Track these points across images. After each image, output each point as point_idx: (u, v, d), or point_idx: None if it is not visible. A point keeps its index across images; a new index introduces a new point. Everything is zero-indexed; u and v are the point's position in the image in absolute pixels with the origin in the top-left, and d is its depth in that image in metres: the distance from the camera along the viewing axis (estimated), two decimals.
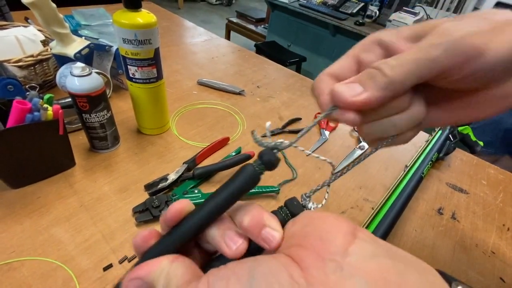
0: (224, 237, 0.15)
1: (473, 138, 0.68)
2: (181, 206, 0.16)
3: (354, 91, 0.15)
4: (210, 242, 0.16)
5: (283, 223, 0.16)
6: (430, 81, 0.15)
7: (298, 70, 2.12)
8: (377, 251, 0.12)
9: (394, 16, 1.77)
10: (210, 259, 0.18)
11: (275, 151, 0.16)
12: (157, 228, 0.18)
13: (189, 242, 0.16)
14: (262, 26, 2.75)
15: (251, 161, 0.18)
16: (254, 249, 0.16)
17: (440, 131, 0.63)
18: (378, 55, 0.17)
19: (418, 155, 0.56)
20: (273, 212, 0.17)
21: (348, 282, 0.11)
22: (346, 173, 0.19)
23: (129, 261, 0.35)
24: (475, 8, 1.71)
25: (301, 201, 0.17)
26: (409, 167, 0.52)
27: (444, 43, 0.14)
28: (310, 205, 0.17)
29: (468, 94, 0.16)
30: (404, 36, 0.16)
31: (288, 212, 0.16)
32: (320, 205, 0.18)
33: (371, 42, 0.17)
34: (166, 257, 0.15)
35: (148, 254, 0.16)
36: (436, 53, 0.14)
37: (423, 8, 1.88)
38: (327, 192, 0.19)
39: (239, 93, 0.73)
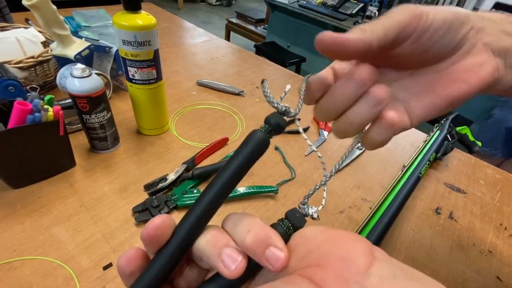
0: (221, 256, 0.14)
1: (471, 138, 0.68)
2: (161, 220, 0.15)
3: (342, 35, 0.17)
4: (204, 260, 0.15)
5: (285, 238, 0.15)
6: (393, 47, 0.18)
7: (297, 70, 2.12)
8: (396, 272, 0.13)
9: None
10: (203, 281, 0.16)
11: (283, 109, 0.16)
12: None
13: (179, 262, 0.15)
14: (262, 26, 2.76)
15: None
16: (253, 266, 0.14)
17: (438, 131, 0.63)
18: (348, 65, 0.20)
19: (416, 155, 0.56)
20: (273, 225, 0.16)
21: None
22: (338, 172, 0.19)
23: None
24: (475, 8, 1.72)
25: (300, 210, 0.17)
26: (407, 167, 0.53)
27: (398, 9, 0.17)
28: (310, 211, 0.17)
29: (437, 71, 0.19)
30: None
31: (290, 225, 0.16)
32: (320, 207, 0.17)
33: None
34: None
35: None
36: (394, 13, 0.17)
37: None
38: (324, 191, 0.18)
39: (238, 94, 0.73)
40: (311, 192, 0.18)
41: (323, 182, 0.18)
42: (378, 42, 0.17)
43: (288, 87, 0.17)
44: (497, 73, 0.18)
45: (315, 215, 0.17)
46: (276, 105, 0.16)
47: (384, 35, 0.17)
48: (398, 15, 0.17)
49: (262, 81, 0.17)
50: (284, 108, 0.16)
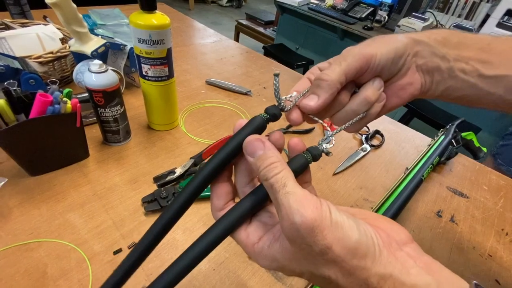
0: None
1: (477, 144, 0.68)
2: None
3: (313, 100, 0.21)
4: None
5: (306, 165, 0.19)
6: (355, 78, 0.22)
7: (305, 73, 2.13)
8: (424, 254, 0.17)
9: (403, 21, 1.77)
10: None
11: (281, 105, 0.21)
12: None
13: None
14: (271, 28, 2.77)
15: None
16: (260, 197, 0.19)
17: (443, 136, 0.64)
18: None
19: (420, 158, 0.57)
20: (298, 155, 0.19)
21: (408, 260, 0.16)
22: (339, 131, 0.23)
23: None
24: (487, 15, 1.70)
25: (319, 148, 0.20)
26: (409, 170, 0.53)
27: (355, 54, 0.22)
28: (325, 146, 0.20)
29: (387, 86, 0.24)
30: (331, 61, 0.24)
31: (311, 155, 0.19)
32: (331, 146, 0.21)
33: (314, 69, 0.25)
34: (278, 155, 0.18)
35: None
36: (350, 59, 0.22)
37: (433, 14, 1.88)
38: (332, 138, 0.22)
39: (246, 94, 0.75)
40: (325, 137, 0.21)
41: (335, 132, 0.22)
42: (341, 86, 0.21)
43: (294, 93, 0.22)
44: (424, 88, 0.25)
45: (329, 150, 0.20)
46: (278, 99, 0.20)
47: (345, 80, 0.21)
48: (354, 61, 0.21)
49: (277, 74, 0.20)
50: (282, 104, 0.21)
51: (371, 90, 0.22)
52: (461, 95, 0.25)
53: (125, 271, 0.19)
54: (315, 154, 0.19)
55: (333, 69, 0.21)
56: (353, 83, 0.23)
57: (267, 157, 0.17)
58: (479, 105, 0.26)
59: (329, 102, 0.21)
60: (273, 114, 0.20)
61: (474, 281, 0.16)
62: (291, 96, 0.21)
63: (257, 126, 0.19)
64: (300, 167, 0.19)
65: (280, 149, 0.19)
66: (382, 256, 0.16)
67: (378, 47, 0.22)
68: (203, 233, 0.19)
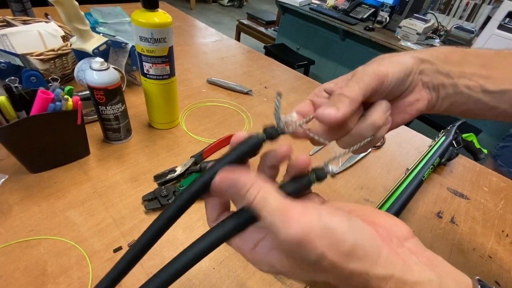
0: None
1: (477, 146, 0.68)
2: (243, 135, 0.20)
3: (334, 111, 0.21)
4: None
5: (308, 186, 0.19)
6: (370, 97, 0.22)
7: (306, 73, 2.13)
8: (426, 249, 0.17)
9: (404, 22, 1.77)
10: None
11: (280, 127, 0.20)
12: None
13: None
14: (272, 28, 2.77)
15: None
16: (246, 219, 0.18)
17: (444, 137, 0.64)
18: (325, 98, 0.25)
19: (420, 159, 0.57)
20: (303, 177, 0.19)
21: (410, 256, 0.16)
22: (345, 170, 0.21)
23: None
24: (489, 17, 1.70)
25: (325, 170, 0.20)
26: (410, 170, 0.53)
27: (370, 74, 0.22)
28: (331, 168, 0.20)
29: (395, 103, 0.25)
30: (339, 82, 0.25)
31: (315, 176, 0.19)
32: (337, 168, 0.20)
33: (319, 90, 0.26)
34: (254, 174, 0.18)
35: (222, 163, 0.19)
36: (367, 78, 0.22)
37: (435, 16, 1.88)
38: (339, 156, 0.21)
39: (246, 93, 0.75)
40: (332, 158, 0.21)
41: (343, 154, 0.21)
42: (351, 112, 0.21)
43: (295, 114, 0.21)
44: (430, 104, 0.25)
45: (335, 171, 0.20)
46: (277, 120, 0.20)
47: (362, 100, 0.21)
48: (371, 80, 0.22)
49: (279, 94, 0.20)
50: (281, 125, 0.20)
51: (378, 114, 0.22)
52: (466, 109, 0.26)
53: (123, 267, 0.19)
54: (320, 175, 0.19)
55: (352, 88, 0.21)
56: (361, 105, 0.23)
57: (241, 187, 0.17)
58: (484, 118, 0.26)
59: (346, 118, 0.21)
60: (269, 134, 0.19)
61: (477, 277, 0.16)
62: (290, 116, 0.21)
63: (252, 146, 0.19)
64: (303, 188, 0.19)
65: (285, 159, 0.19)
66: (381, 256, 0.15)
67: (388, 67, 0.22)
68: (186, 247, 0.18)
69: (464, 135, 0.67)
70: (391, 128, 0.25)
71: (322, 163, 0.20)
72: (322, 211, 0.16)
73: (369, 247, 0.15)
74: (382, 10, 1.95)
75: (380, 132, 0.23)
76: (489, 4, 1.84)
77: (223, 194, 0.18)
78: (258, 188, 0.16)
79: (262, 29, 2.76)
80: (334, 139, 0.24)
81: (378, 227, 0.17)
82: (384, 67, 0.22)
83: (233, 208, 0.20)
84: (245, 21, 2.87)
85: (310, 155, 0.58)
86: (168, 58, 0.48)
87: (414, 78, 0.24)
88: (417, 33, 1.72)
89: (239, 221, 0.18)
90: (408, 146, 0.67)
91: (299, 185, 0.19)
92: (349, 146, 0.23)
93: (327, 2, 2.21)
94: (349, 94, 0.21)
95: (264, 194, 0.16)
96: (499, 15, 1.49)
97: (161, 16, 0.44)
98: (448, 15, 2.00)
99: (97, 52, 0.57)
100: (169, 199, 0.42)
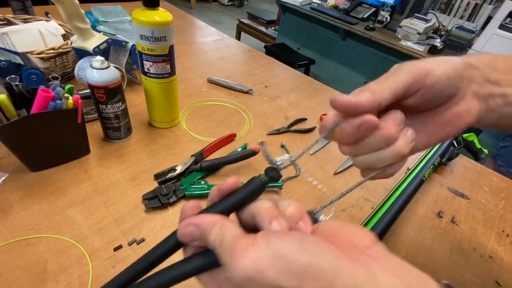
0: (271, 220, 0.17)
1: (478, 146, 0.68)
2: (236, 181, 0.19)
3: (348, 97, 0.19)
4: (253, 219, 0.18)
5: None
6: (401, 100, 0.20)
7: (306, 72, 2.13)
8: (391, 254, 0.16)
9: (405, 22, 1.77)
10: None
11: (278, 167, 0.20)
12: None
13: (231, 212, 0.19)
14: (273, 28, 2.77)
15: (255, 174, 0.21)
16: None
17: None
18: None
19: (421, 159, 0.57)
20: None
21: (374, 264, 0.15)
22: (343, 196, 0.21)
23: (138, 244, 0.37)
24: (489, 17, 1.70)
25: (315, 216, 0.20)
26: (410, 170, 0.53)
27: (406, 68, 0.19)
28: (321, 218, 0.20)
29: (432, 114, 0.22)
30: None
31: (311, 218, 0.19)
32: (328, 217, 0.20)
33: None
34: (218, 215, 0.17)
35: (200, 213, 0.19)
36: (401, 71, 0.19)
37: (435, 15, 1.87)
38: (332, 203, 0.21)
39: (247, 92, 0.75)
40: (323, 206, 0.21)
41: (350, 190, 0.21)
42: (386, 102, 0.19)
43: (287, 156, 0.20)
44: (479, 117, 0.22)
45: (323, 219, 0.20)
46: (273, 163, 0.20)
47: (391, 96, 0.19)
48: (404, 74, 0.19)
49: (261, 143, 0.20)
50: (278, 165, 0.20)
51: (404, 142, 0.20)
52: None
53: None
54: (314, 217, 0.19)
55: (379, 81, 0.19)
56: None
57: (204, 229, 0.17)
58: None
59: (360, 108, 0.19)
60: (271, 176, 0.19)
61: (444, 281, 0.15)
62: (282, 159, 0.20)
63: (256, 189, 0.19)
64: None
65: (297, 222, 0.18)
66: (339, 269, 0.14)
67: (434, 64, 0.20)
68: (148, 276, 0.18)
69: (464, 135, 0.67)
70: (428, 145, 0.22)
71: (317, 207, 0.20)
72: (271, 237, 0.15)
73: (325, 262, 0.14)
74: (383, 10, 1.95)
75: (399, 150, 0.20)
76: (490, 4, 1.84)
77: (192, 242, 0.18)
78: (218, 227, 0.16)
79: (262, 28, 2.76)
80: (350, 151, 0.22)
81: (337, 239, 0.16)
82: (428, 64, 0.20)
83: None
84: (246, 21, 2.87)
85: (311, 154, 0.58)
86: (168, 57, 0.48)
87: (464, 84, 0.21)
88: (418, 33, 1.72)
89: (203, 262, 0.17)
90: None
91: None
92: (363, 167, 0.22)
93: (327, 2, 2.20)
94: (373, 86, 0.19)
95: (221, 232, 0.16)
96: (500, 15, 1.49)
97: (161, 14, 0.44)
98: (449, 15, 1.99)
99: (97, 51, 0.57)
100: (169, 198, 0.42)
